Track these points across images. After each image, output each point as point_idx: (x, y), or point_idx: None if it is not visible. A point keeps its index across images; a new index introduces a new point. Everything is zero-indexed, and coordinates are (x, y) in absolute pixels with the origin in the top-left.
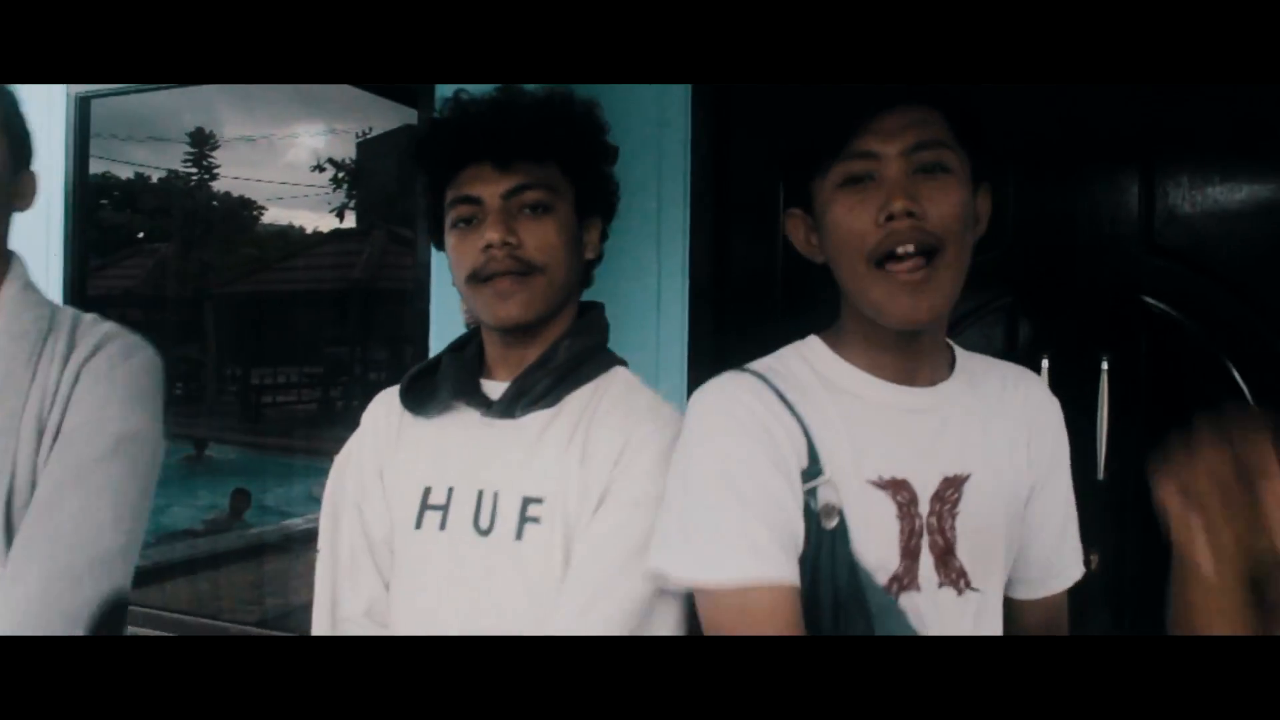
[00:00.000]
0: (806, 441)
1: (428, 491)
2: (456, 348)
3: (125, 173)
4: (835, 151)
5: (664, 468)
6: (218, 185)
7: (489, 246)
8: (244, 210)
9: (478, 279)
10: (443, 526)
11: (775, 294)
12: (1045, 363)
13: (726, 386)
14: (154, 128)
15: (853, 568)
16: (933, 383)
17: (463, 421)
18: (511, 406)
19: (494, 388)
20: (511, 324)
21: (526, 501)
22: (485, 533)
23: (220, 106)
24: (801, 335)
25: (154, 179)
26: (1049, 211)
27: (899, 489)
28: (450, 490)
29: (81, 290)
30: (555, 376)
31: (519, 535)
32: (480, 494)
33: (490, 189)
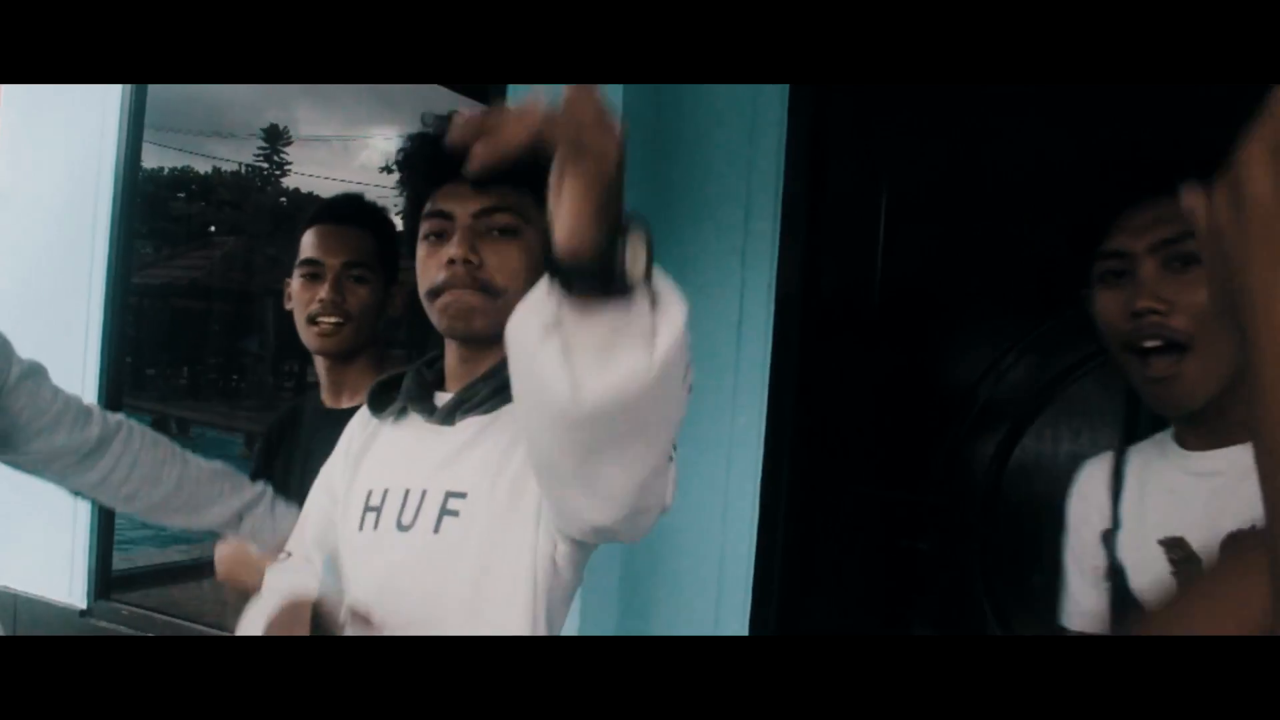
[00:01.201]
0: None
1: (369, 494)
2: (429, 362)
3: (203, 166)
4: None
5: None
6: (289, 181)
7: (451, 262)
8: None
9: (435, 294)
10: (375, 526)
11: (868, 316)
12: None
13: None
14: (226, 121)
15: None
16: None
17: (413, 429)
18: (451, 414)
19: (443, 398)
20: (459, 334)
21: (448, 496)
22: (405, 529)
23: (297, 103)
24: (895, 362)
25: (225, 171)
26: None
27: None
28: (385, 492)
29: (125, 279)
30: (493, 388)
31: (436, 529)
32: (407, 492)
33: (462, 207)
